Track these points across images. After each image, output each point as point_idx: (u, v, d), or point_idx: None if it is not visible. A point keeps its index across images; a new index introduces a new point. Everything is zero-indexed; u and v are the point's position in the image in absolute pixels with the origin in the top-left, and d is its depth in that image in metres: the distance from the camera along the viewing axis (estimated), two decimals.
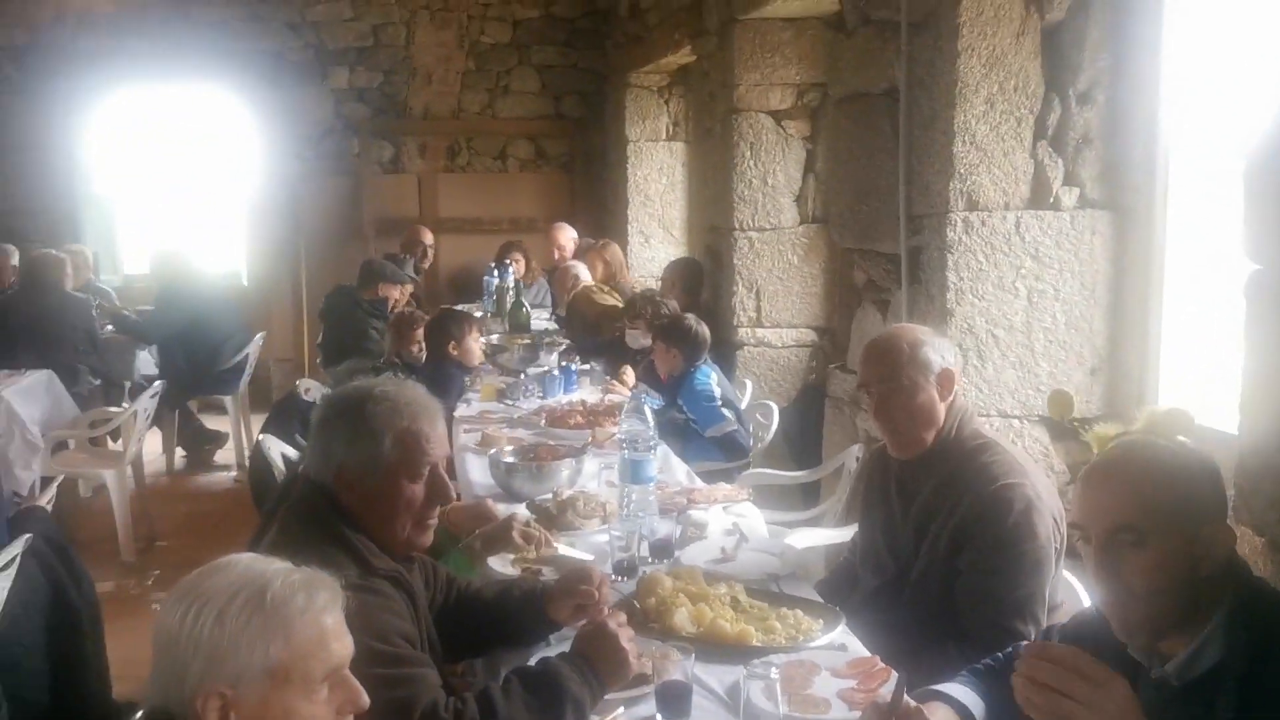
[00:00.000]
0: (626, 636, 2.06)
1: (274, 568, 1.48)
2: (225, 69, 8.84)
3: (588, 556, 2.80)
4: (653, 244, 8.57)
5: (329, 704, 1.46)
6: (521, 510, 3.10)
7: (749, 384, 5.74)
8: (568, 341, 5.98)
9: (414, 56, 9.27)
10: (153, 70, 8.74)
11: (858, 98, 4.33)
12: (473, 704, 1.92)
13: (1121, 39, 3.48)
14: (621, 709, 2.07)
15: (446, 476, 2.18)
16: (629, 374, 5.16)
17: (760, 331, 6.01)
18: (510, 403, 4.94)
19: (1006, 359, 3.64)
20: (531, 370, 5.48)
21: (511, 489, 3.41)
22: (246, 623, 1.39)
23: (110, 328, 7.32)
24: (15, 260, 7.26)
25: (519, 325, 6.30)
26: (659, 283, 6.82)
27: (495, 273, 7.57)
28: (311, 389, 6.00)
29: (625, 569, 2.72)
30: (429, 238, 8.40)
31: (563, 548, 2.80)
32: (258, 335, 7.68)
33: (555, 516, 3.04)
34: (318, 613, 1.45)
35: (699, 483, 3.70)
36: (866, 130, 4.25)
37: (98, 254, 8.72)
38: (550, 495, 3.24)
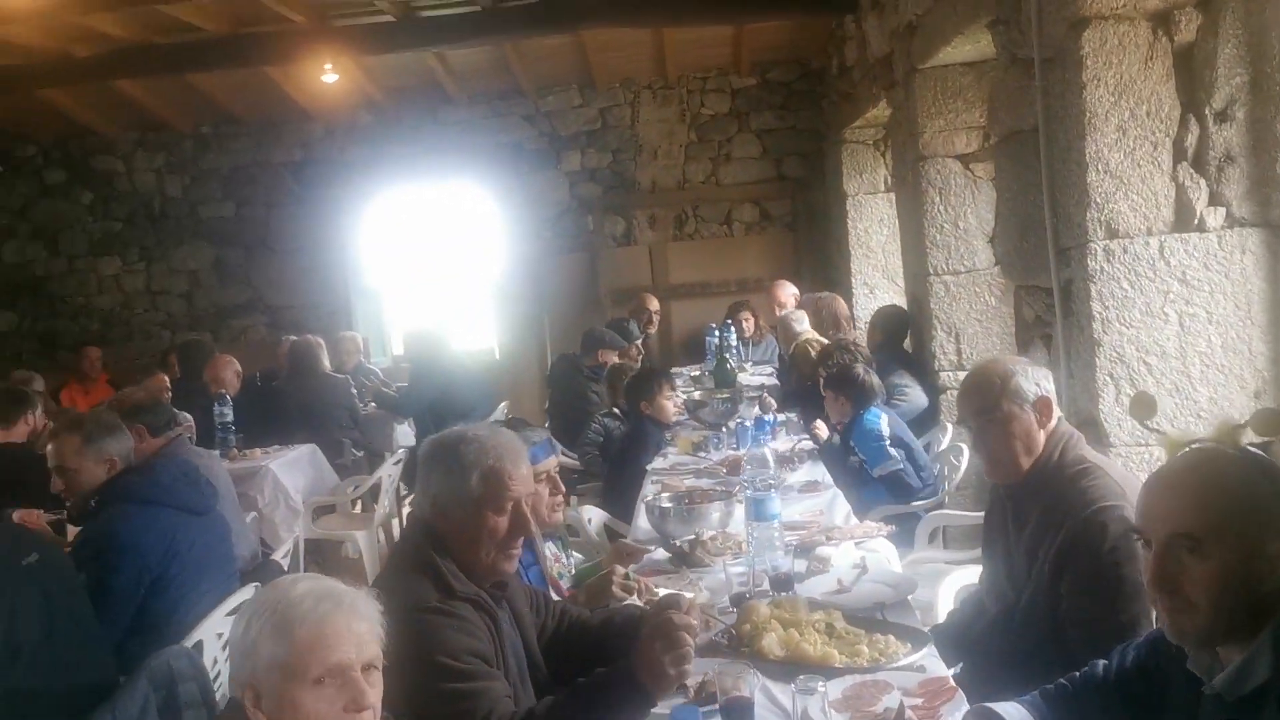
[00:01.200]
0: (685, 630, 2.21)
1: (304, 585, 1.80)
2: (471, 163, 9.72)
3: (688, 595, 2.98)
4: (878, 294, 8.62)
5: (333, 701, 1.74)
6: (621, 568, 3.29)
7: (950, 427, 5.72)
8: (761, 393, 6.17)
9: (639, 134, 9.83)
10: (409, 171, 9.75)
11: (1013, 136, 4.36)
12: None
13: (1257, 54, 3.38)
14: None
15: (528, 512, 2.45)
16: (820, 426, 5.29)
17: (962, 375, 5.97)
18: (703, 455, 5.18)
19: (1162, 386, 3.55)
20: (732, 423, 5.71)
21: (665, 531, 3.64)
22: (262, 626, 1.73)
23: (373, 404, 8.14)
24: (286, 348, 8.23)
25: (723, 380, 6.55)
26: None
27: (716, 332, 7.87)
28: None
29: (740, 602, 2.89)
30: (654, 304, 8.83)
31: (664, 592, 2.99)
32: (501, 405, 8.30)
33: (687, 554, 3.26)
34: (320, 618, 1.74)
35: (853, 522, 3.80)
36: (1022, 167, 4.27)
37: (368, 339, 9.73)
38: (693, 535, 3.46)
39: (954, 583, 3.52)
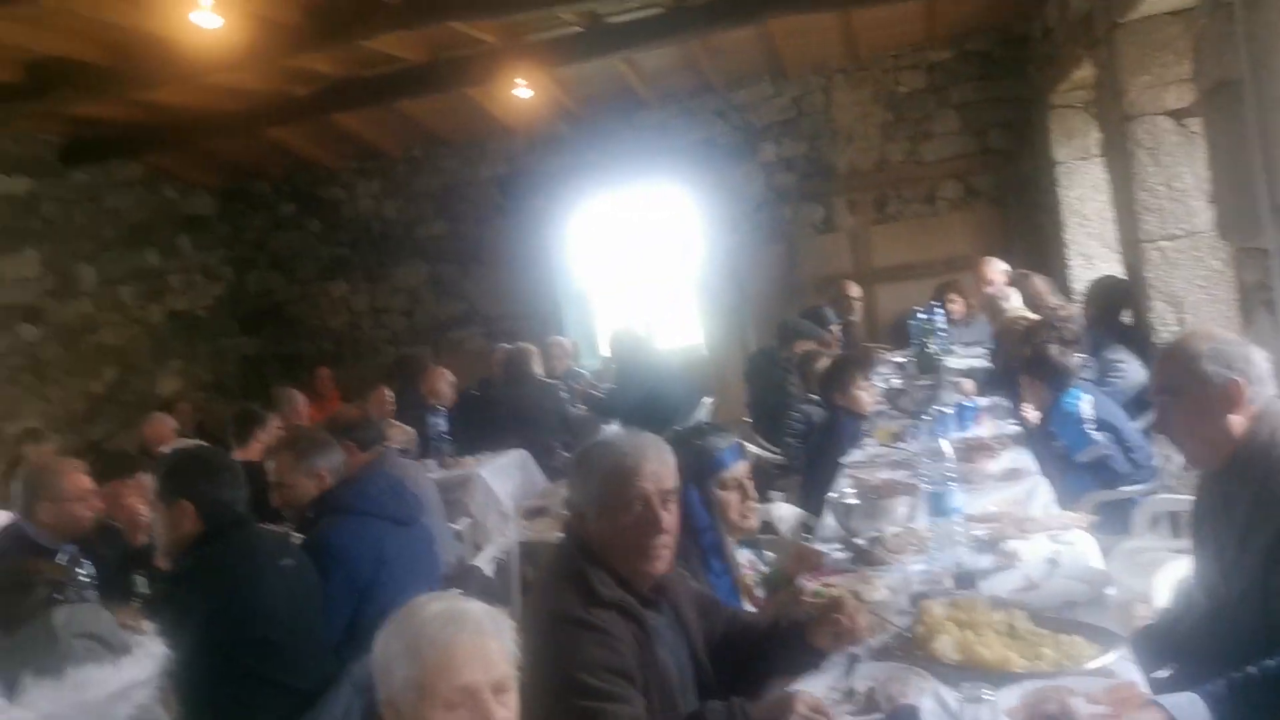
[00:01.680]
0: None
1: (435, 607, 1.85)
2: (666, 162, 9.79)
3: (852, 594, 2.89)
4: (1096, 264, 8.11)
5: None
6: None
7: None
8: (965, 379, 5.93)
9: (834, 119, 9.64)
10: (608, 176, 9.92)
11: (1221, 87, 4.03)
12: None
13: None
14: None
15: (660, 510, 2.44)
16: (1029, 409, 5.04)
17: None
18: (901, 445, 5.03)
19: None
20: (933, 411, 5.51)
21: (849, 527, 3.55)
22: (396, 648, 1.79)
23: (583, 407, 8.33)
24: (500, 356, 8.52)
25: (925, 366, 6.34)
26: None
27: (920, 316, 7.62)
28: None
29: (918, 601, 2.79)
30: (854, 290, 8.64)
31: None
32: (705, 400, 8.32)
33: (866, 552, 3.17)
34: (447, 640, 1.78)
35: (1053, 512, 3.60)
36: (1233, 120, 3.93)
37: (577, 342, 9.96)
38: (877, 533, 3.36)
39: (1171, 573, 3.29)
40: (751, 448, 6.59)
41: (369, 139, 10.16)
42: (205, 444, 4.66)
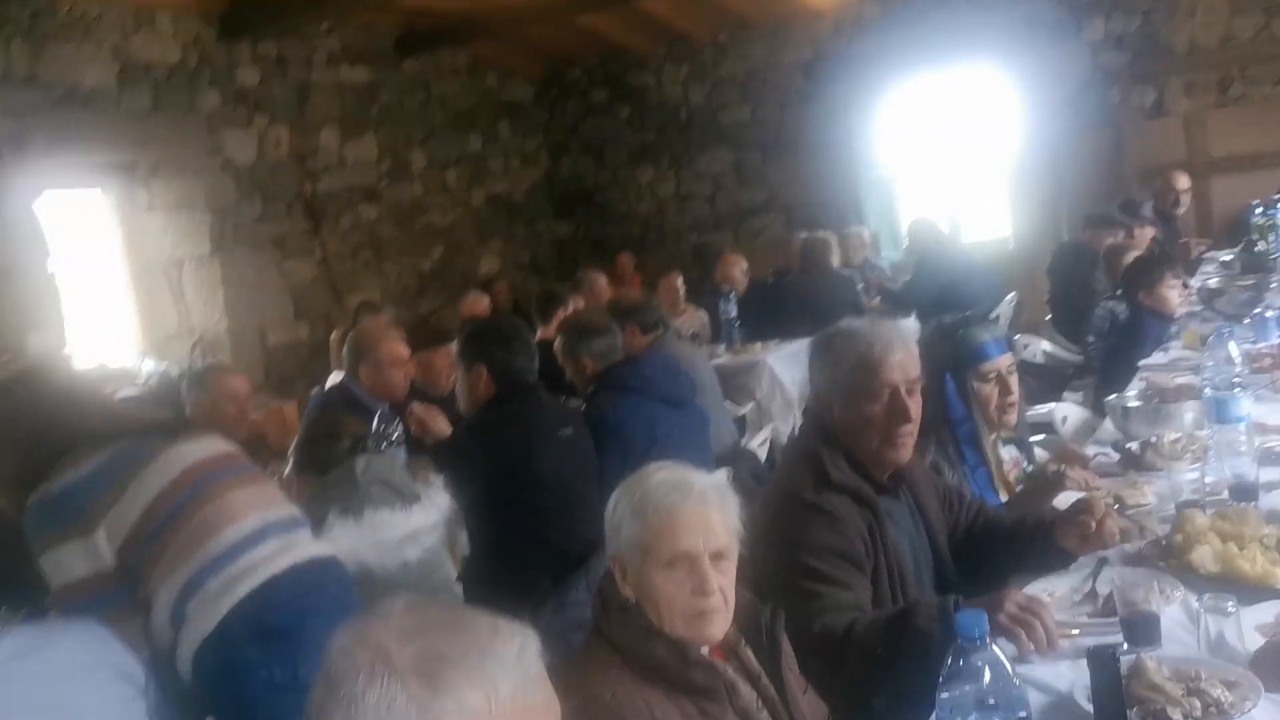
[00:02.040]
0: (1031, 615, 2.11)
1: (662, 474, 1.96)
2: (982, 42, 9.26)
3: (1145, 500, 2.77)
4: None
5: (681, 584, 1.88)
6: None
7: None
8: None
9: None
10: (918, 59, 9.51)
11: None
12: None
13: None
14: (1077, 631, 2.16)
15: (906, 400, 2.43)
16: None
17: None
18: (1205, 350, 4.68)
19: None
20: (1253, 314, 5.07)
21: (1127, 431, 3.39)
22: (625, 508, 1.92)
23: (878, 299, 8.22)
24: (798, 246, 8.52)
25: (1252, 266, 5.78)
26: None
27: (1259, 210, 6.94)
28: (1030, 345, 6.25)
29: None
30: (1182, 182, 7.92)
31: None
32: (1010, 295, 7.99)
33: (1137, 457, 3.03)
34: (671, 506, 1.89)
35: None
36: None
37: (878, 233, 9.78)
38: (1155, 438, 3.19)
39: None
40: (1047, 346, 6.33)
41: (677, 24, 10.26)
42: (506, 316, 5.03)
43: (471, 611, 1.24)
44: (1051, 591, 2.41)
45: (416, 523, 2.97)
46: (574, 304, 6.52)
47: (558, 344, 4.41)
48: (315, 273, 8.86)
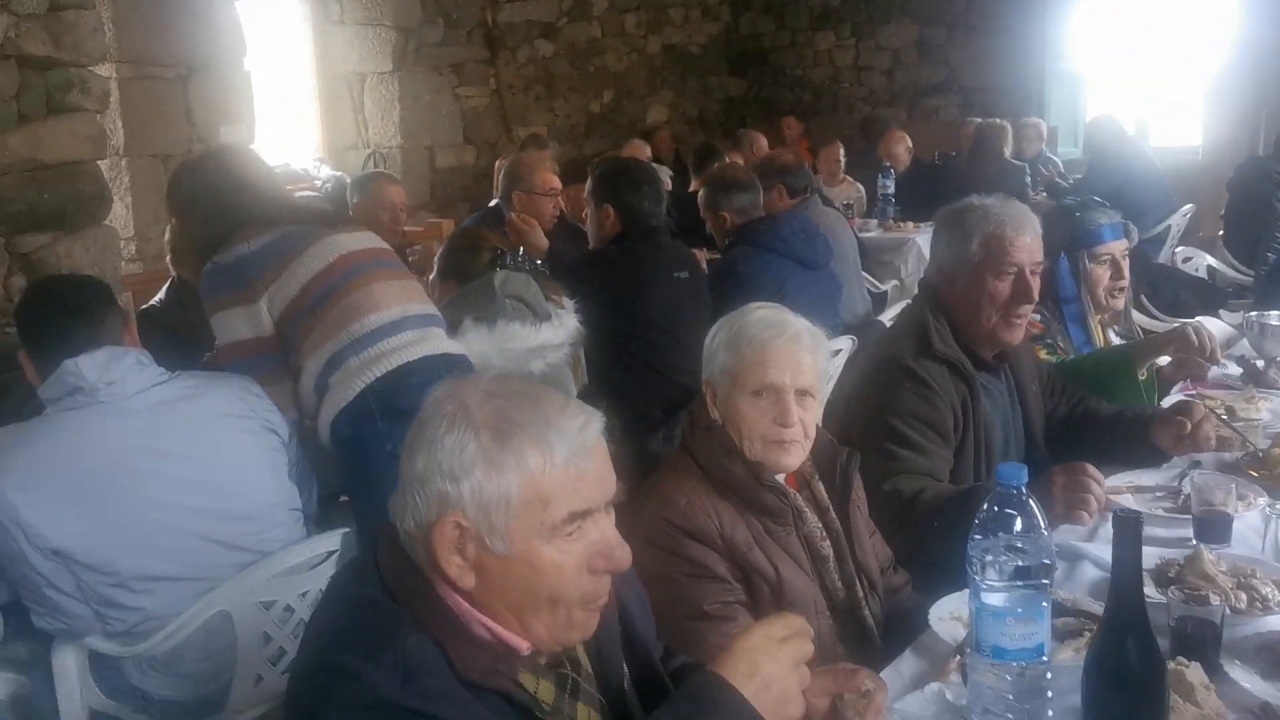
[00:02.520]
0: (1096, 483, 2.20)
1: (761, 312, 2.12)
2: None
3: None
4: None
5: (765, 413, 2.02)
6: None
7: None
8: None
9: None
10: None
11: None
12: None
13: None
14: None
15: (1030, 281, 2.47)
16: None
17: None
18: None
19: None
20: None
21: (1262, 350, 3.36)
22: (722, 339, 2.11)
23: (1044, 194, 7.98)
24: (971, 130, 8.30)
25: None
26: None
27: None
28: (1194, 258, 6.05)
29: None
30: None
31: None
32: (1185, 207, 7.66)
33: (1259, 373, 3.03)
34: (764, 341, 2.04)
35: None
36: None
37: (1056, 128, 9.41)
38: None
39: None
40: (1212, 261, 6.12)
41: None
42: (641, 161, 5.15)
43: (549, 390, 1.42)
44: (1135, 483, 2.48)
45: (544, 338, 3.16)
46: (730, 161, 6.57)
47: (701, 195, 4.53)
48: (488, 101, 9.07)
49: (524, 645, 1.36)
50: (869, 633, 2.10)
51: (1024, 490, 1.51)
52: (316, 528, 2.65)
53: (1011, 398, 2.65)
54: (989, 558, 1.51)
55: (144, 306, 3.94)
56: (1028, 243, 2.51)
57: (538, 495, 1.30)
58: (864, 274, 5.62)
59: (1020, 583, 1.49)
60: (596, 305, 3.51)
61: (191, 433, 2.39)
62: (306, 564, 2.49)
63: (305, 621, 2.10)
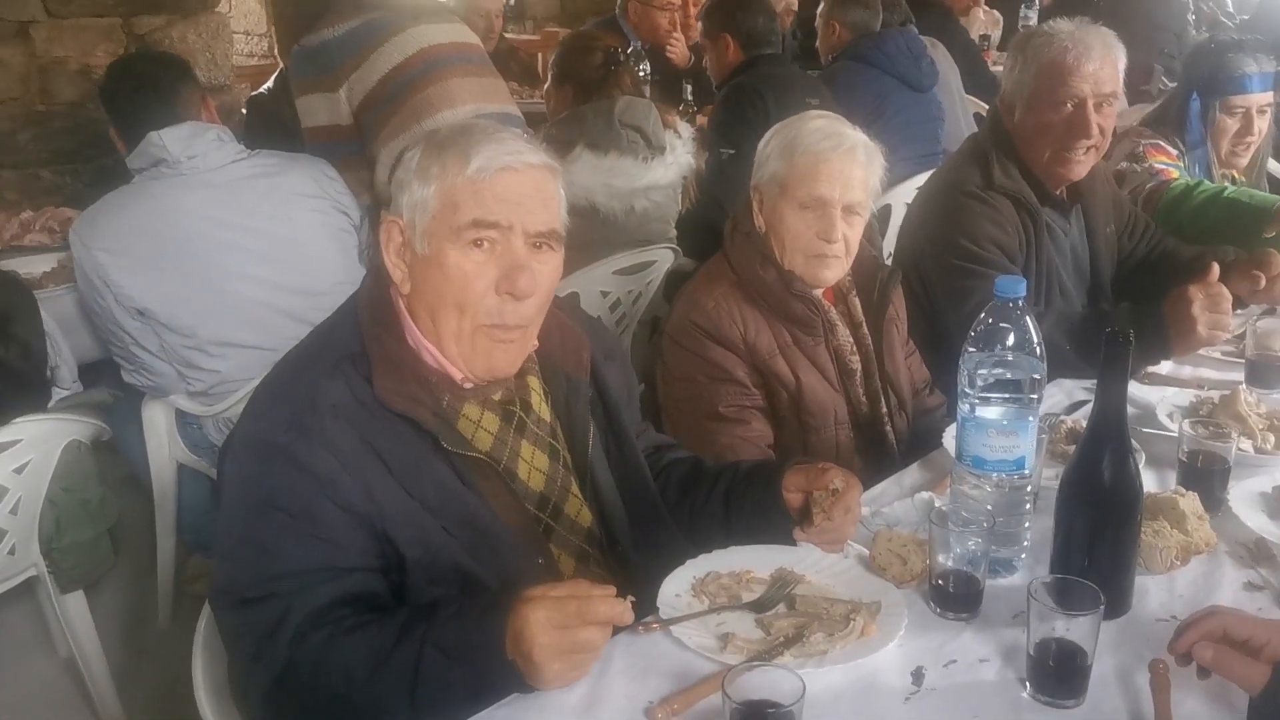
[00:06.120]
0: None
1: (819, 122, 2.07)
2: None
3: None
4: None
5: (810, 225, 2.01)
6: None
7: None
8: None
9: None
10: None
11: None
12: None
13: None
14: None
15: (1091, 114, 2.32)
16: None
17: None
18: None
19: None
20: None
21: None
22: (776, 146, 2.07)
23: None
24: None
25: None
26: None
27: None
28: None
29: None
30: None
31: None
32: None
33: None
34: (818, 153, 2.00)
35: None
36: None
37: None
38: None
39: None
40: None
41: None
42: None
43: (513, 130, 1.57)
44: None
45: (652, 178, 3.09)
46: None
47: (821, 6, 4.40)
48: None
49: (458, 375, 1.50)
50: (889, 448, 2.12)
51: (1021, 304, 1.50)
52: None
53: (1079, 236, 2.54)
54: (980, 370, 1.52)
55: (253, 94, 4.06)
56: (1092, 71, 2.32)
57: (450, 200, 1.44)
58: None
59: (1005, 395, 1.50)
60: (729, 136, 3.52)
61: (266, 208, 2.51)
62: None
63: None
